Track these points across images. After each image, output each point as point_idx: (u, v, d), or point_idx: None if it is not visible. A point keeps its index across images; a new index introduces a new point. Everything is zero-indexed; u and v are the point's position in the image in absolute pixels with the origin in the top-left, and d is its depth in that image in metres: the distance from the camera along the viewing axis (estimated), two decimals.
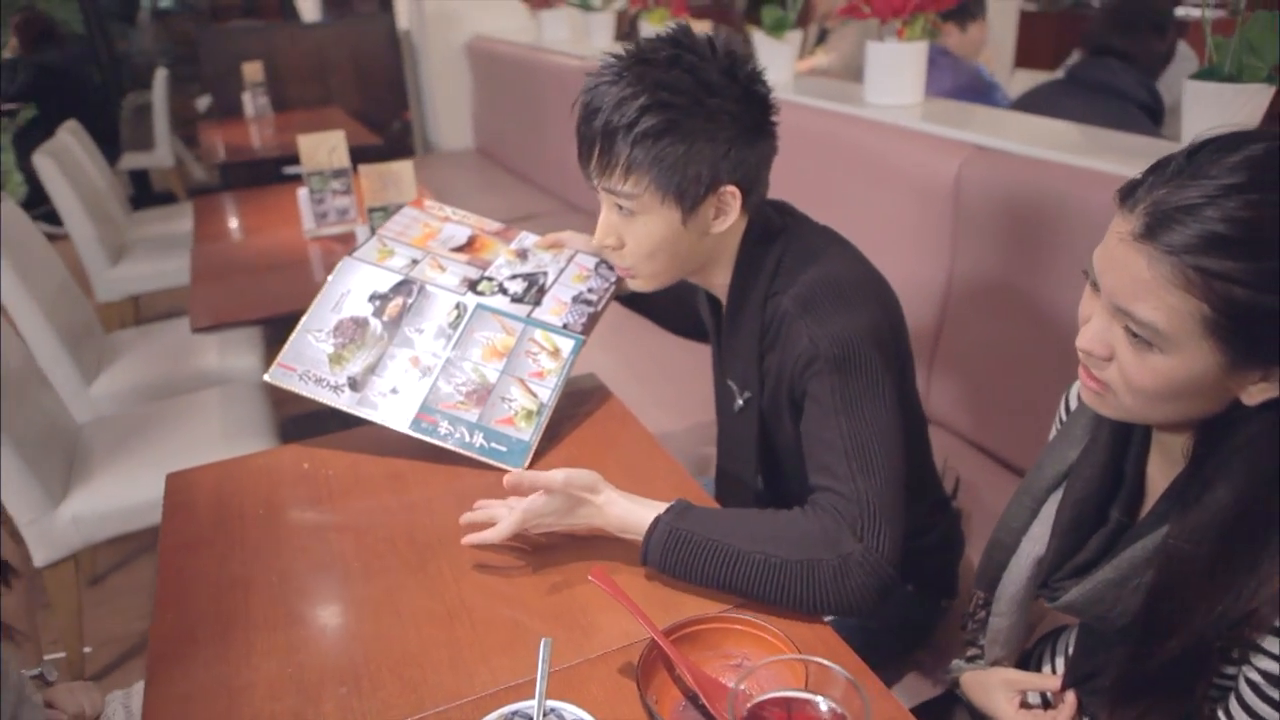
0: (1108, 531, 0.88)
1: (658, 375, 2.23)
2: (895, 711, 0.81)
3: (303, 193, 2.30)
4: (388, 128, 4.96)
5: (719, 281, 1.18)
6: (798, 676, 0.71)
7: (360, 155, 2.51)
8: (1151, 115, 2.35)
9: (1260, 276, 0.66)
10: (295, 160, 2.32)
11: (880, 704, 0.82)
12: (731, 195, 1.07)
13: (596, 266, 1.40)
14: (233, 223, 2.66)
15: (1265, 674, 0.74)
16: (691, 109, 1.01)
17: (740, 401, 1.20)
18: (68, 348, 2.17)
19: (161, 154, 5.14)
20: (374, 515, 1.14)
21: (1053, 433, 1.00)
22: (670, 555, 0.95)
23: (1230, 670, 0.78)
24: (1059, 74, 2.63)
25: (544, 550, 1.04)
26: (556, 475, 0.99)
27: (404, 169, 1.94)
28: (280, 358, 1.26)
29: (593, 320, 1.35)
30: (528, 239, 1.45)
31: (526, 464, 1.21)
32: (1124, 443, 0.88)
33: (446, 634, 0.93)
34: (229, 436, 1.97)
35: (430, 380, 1.26)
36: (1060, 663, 1.05)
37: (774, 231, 1.14)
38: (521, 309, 1.33)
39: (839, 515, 0.96)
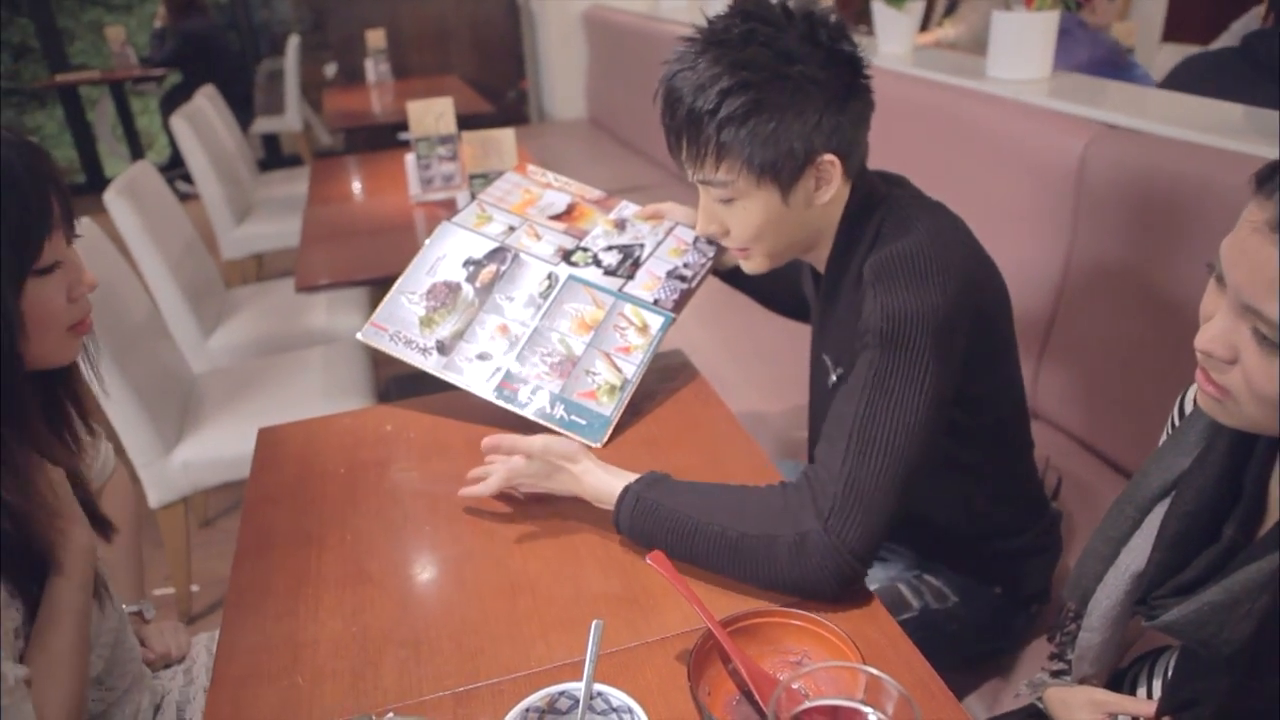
0: (1219, 550, 0.80)
1: (754, 354, 2.18)
2: None
3: (410, 158, 2.34)
4: (504, 96, 5.02)
5: (823, 254, 1.13)
6: (856, 683, 0.67)
7: (474, 123, 2.54)
8: None
9: None
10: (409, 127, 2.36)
11: (948, 714, 0.77)
12: (830, 164, 1.02)
13: (695, 241, 1.38)
14: (346, 186, 2.73)
15: None
16: (774, 83, 0.96)
17: (834, 378, 1.15)
18: (189, 302, 2.29)
19: (291, 118, 5.35)
20: (449, 482, 1.14)
21: (1163, 438, 0.91)
22: (637, 524, 0.98)
23: None
24: (1227, 41, 2.36)
25: (610, 531, 1.03)
26: (535, 441, 1.05)
27: (505, 136, 1.95)
28: (374, 317, 1.28)
29: (685, 297, 1.32)
30: (627, 209, 1.43)
31: (605, 439, 1.20)
32: (1245, 454, 0.80)
33: (508, 606, 0.93)
34: (329, 394, 2.04)
35: (517, 349, 1.25)
36: (1156, 686, 0.97)
37: (876, 200, 1.08)
38: (614, 282, 1.32)
39: (811, 492, 0.93)
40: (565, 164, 3.91)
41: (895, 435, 0.93)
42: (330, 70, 5.46)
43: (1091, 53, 2.67)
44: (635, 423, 1.24)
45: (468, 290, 1.30)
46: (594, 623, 0.74)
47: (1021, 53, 1.92)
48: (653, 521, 0.96)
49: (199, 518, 2.44)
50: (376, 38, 4.08)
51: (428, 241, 1.34)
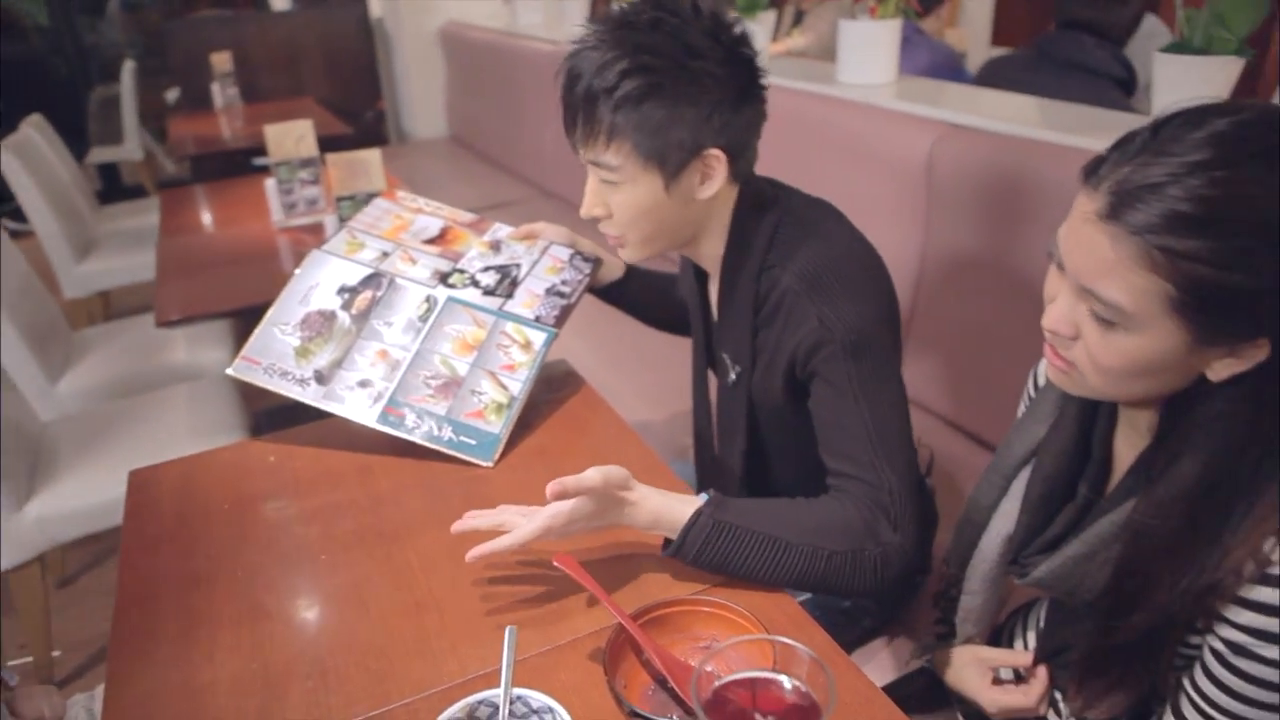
0: (1076, 507, 0.87)
1: (635, 363, 2.22)
2: (865, 689, 0.81)
3: (270, 183, 2.26)
4: (360, 117, 4.91)
5: (708, 252, 1.16)
6: (765, 656, 0.70)
7: (332, 145, 2.47)
8: (1124, 87, 2.34)
9: (1225, 255, 0.65)
10: (265, 151, 2.28)
11: (850, 681, 0.82)
12: (716, 160, 1.05)
13: (570, 258, 1.39)
14: (200, 216, 2.62)
15: (1228, 643, 0.74)
16: (674, 72, 0.99)
17: (733, 376, 1.19)
18: (31, 346, 2.13)
19: (130, 147, 5.07)
20: (341, 508, 1.12)
21: (1021, 410, 0.99)
22: (711, 547, 0.92)
23: (1195, 640, 0.78)
24: (1027, 50, 2.61)
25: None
26: (594, 475, 0.90)
27: (372, 157, 1.91)
28: (244, 351, 1.24)
29: (566, 312, 1.33)
30: (501, 230, 1.43)
31: (496, 457, 1.19)
32: (1091, 419, 0.88)
33: (414, 625, 0.92)
34: (197, 432, 1.94)
35: (399, 373, 1.23)
36: (1031, 638, 1.05)
37: (767, 201, 1.12)
38: (493, 301, 1.32)
39: (875, 505, 0.99)
40: (429, 183, 3.87)
41: (899, 432, 1.04)
42: (172, 96, 5.21)
43: (931, 58, 2.85)
44: (525, 435, 1.25)
45: (343, 318, 1.27)
46: (508, 628, 0.74)
47: (869, 59, 2.04)
48: (732, 542, 0.93)
49: (56, 576, 2.27)
50: (222, 61, 3.92)
51: (298, 271, 1.31)
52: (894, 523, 0.99)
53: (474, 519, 0.96)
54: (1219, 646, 0.75)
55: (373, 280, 1.31)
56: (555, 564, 0.87)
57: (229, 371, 1.23)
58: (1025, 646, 1.06)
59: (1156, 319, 0.69)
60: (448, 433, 1.20)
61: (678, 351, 2.20)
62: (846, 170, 1.91)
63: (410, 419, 1.20)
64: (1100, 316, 0.72)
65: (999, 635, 1.11)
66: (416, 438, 1.19)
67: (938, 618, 1.11)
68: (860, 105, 1.94)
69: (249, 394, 2.39)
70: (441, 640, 0.90)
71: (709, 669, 0.68)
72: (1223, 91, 1.43)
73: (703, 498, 0.97)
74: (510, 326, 1.29)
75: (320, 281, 1.30)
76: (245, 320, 1.27)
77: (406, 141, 5.05)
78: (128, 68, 4.99)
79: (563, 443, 1.23)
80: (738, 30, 1.04)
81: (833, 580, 0.96)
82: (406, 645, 0.89)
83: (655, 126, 1.00)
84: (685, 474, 1.30)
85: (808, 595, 1.26)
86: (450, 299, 1.30)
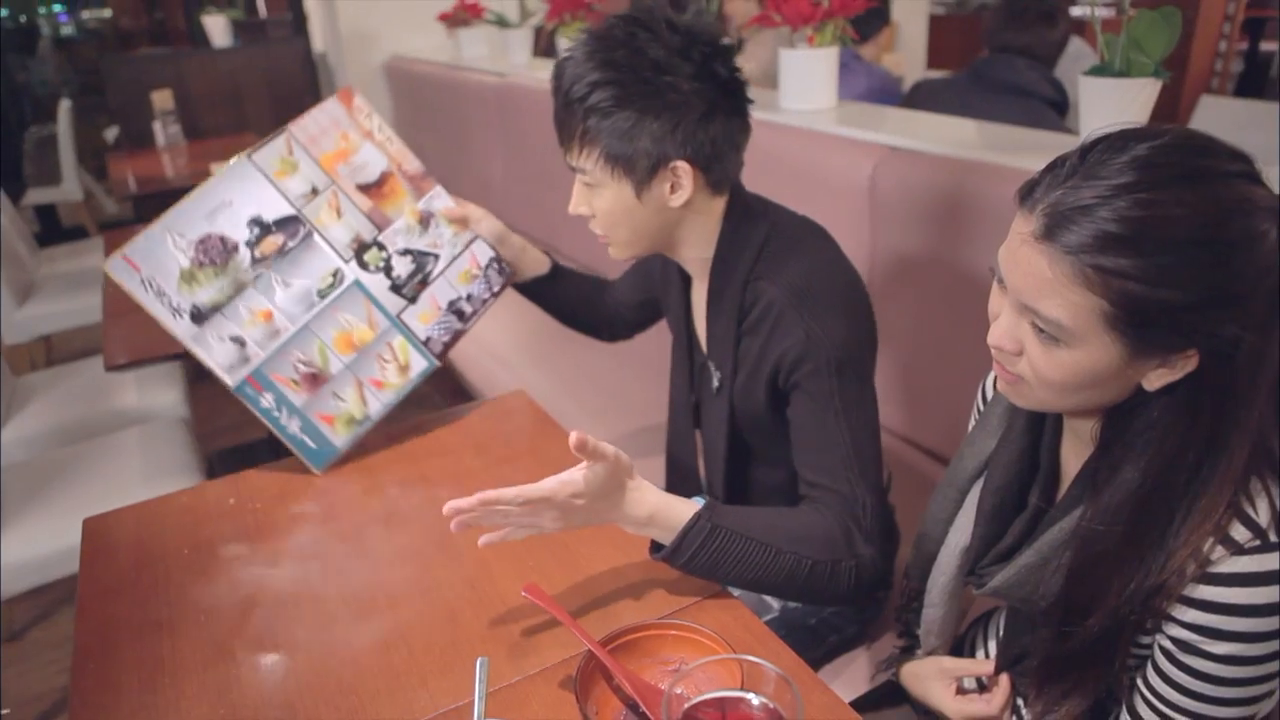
0: (1027, 516, 0.90)
1: (589, 390, 2.23)
2: (833, 704, 0.83)
3: None
4: None
5: (692, 256, 1.20)
6: (734, 676, 0.71)
7: None
8: (1056, 108, 2.44)
9: (1152, 271, 0.68)
10: None
11: (818, 697, 0.83)
12: (683, 171, 1.08)
13: (488, 265, 1.36)
14: None
15: (1176, 641, 0.77)
16: (638, 85, 1.04)
17: (716, 383, 1.22)
18: None
19: (69, 188, 4.97)
20: (304, 547, 1.11)
21: (971, 423, 1.03)
22: (705, 551, 0.94)
23: (1146, 641, 0.81)
24: (961, 73, 2.72)
25: (479, 571, 1.03)
26: (611, 447, 0.88)
27: None
28: (127, 249, 1.14)
29: (454, 339, 1.32)
30: (438, 200, 1.35)
31: (324, 468, 1.22)
32: (1039, 430, 0.91)
33: (383, 661, 0.92)
34: (151, 477, 1.91)
35: (275, 344, 1.20)
36: (992, 646, 1.08)
37: (756, 213, 1.17)
38: (396, 303, 1.28)
39: (850, 518, 1.05)
40: None
41: (873, 451, 1.11)
42: (111, 134, 5.12)
43: (869, 83, 2.94)
44: (486, 465, 1.25)
45: (244, 256, 1.18)
46: (479, 660, 0.75)
47: (809, 86, 2.09)
48: (726, 549, 0.95)
49: (4, 631, 2.20)
50: (163, 99, 3.87)
51: (217, 176, 1.18)
52: (866, 536, 1.04)
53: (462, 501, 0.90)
54: (1168, 645, 0.78)
55: (290, 224, 1.21)
56: (523, 594, 0.88)
57: (105, 267, 1.14)
58: (986, 655, 1.09)
59: (1094, 334, 0.72)
60: (294, 426, 1.20)
61: (630, 375, 2.22)
62: (792, 193, 1.93)
63: (266, 399, 1.19)
64: (1042, 332, 0.75)
65: (961, 645, 1.14)
66: (262, 416, 1.19)
67: (901, 631, 1.13)
68: (803, 131, 1.99)
69: (203, 435, 2.36)
70: (411, 675, 0.90)
71: (679, 691, 0.70)
72: (1144, 111, 1.50)
73: (697, 500, 0.98)
74: (398, 342, 1.27)
75: (235, 201, 1.19)
76: (196, 363, 1.22)
77: None
78: (64, 106, 4.91)
79: (524, 472, 1.23)
80: (713, 48, 1.08)
81: (810, 589, 1.02)
82: (376, 682, 0.89)
83: (622, 136, 1.06)
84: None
85: (774, 614, 1.27)
86: (357, 283, 1.25)
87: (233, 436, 2.95)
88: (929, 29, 5.56)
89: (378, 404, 1.23)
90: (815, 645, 1.30)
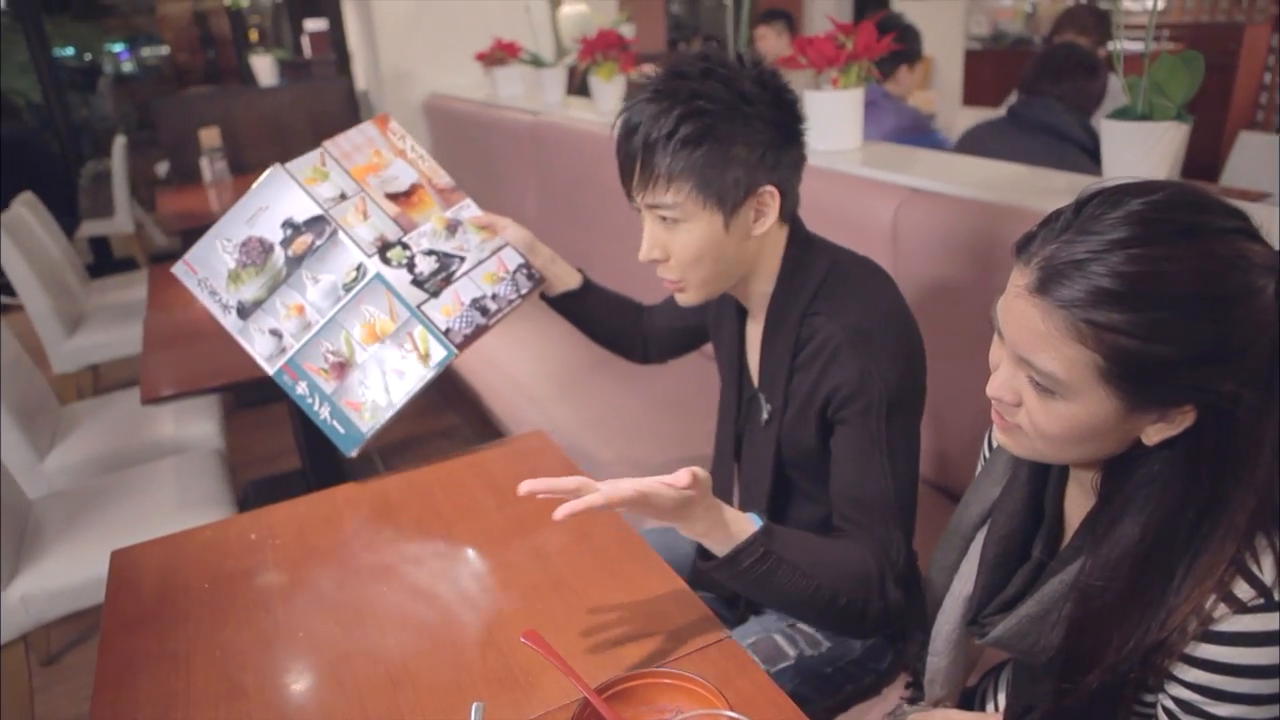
0: (1031, 567, 0.90)
1: (618, 431, 2.24)
2: None
3: None
4: None
5: (757, 290, 1.22)
6: None
7: None
8: (1090, 155, 2.42)
9: (1145, 327, 0.68)
10: None
11: None
12: (770, 196, 1.12)
13: (516, 270, 1.39)
14: (188, 291, 2.65)
15: (1179, 701, 0.76)
16: (728, 114, 1.07)
17: (765, 415, 1.24)
18: (19, 423, 2.15)
19: (121, 220, 5.14)
20: (320, 585, 1.14)
21: (978, 470, 1.02)
22: (752, 572, 0.98)
23: (1150, 699, 0.80)
24: (1001, 112, 2.72)
25: (486, 613, 1.05)
26: (703, 471, 0.92)
27: None
28: (188, 255, 1.29)
29: (477, 334, 1.34)
30: (466, 210, 1.41)
31: (355, 453, 1.29)
32: (1043, 480, 0.91)
33: (389, 702, 0.93)
34: (184, 507, 1.96)
35: (307, 335, 1.28)
36: (1002, 699, 1.07)
37: (815, 245, 1.21)
38: (417, 295, 1.31)
39: (884, 560, 1.08)
40: None
41: (912, 493, 1.15)
42: (162, 169, 5.30)
43: (898, 121, 2.95)
44: (502, 507, 1.27)
45: (279, 255, 1.29)
46: (474, 705, 0.76)
47: (834, 127, 2.10)
48: (774, 572, 0.99)
49: (41, 655, 2.26)
50: (210, 136, 4.01)
51: (255, 185, 1.31)
52: (896, 580, 1.08)
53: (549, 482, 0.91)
54: (1170, 705, 0.77)
55: (317, 224, 1.30)
56: (522, 640, 0.89)
57: (173, 270, 1.30)
58: (996, 708, 1.07)
59: (1089, 387, 0.72)
60: (325, 412, 1.28)
61: (657, 411, 2.23)
62: (818, 232, 1.96)
63: (300, 386, 1.28)
64: (1038, 384, 0.76)
65: (972, 697, 1.12)
66: (297, 403, 1.28)
67: (908, 681, 1.12)
68: (827, 171, 2.01)
69: (237, 465, 2.41)
70: (415, 716, 0.91)
71: None
72: (1167, 154, 1.49)
73: (753, 518, 1.00)
74: (418, 331, 1.30)
75: (271, 205, 1.30)
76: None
77: None
78: (119, 142, 5.09)
79: (537, 514, 1.24)
80: (781, 79, 1.13)
81: (836, 621, 1.07)
82: None
83: (713, 165, 1.08)
84: (655, 541, 1.31)
85: (790, 662, 1.27)
86: (378, 276, 1.30)
87: (266, 467, 3.02)
88: (964, 64, 5.56)
89: (400, 392, 1.28)
90: (830, 694, 1.29)
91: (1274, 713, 0.73)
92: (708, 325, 1.45)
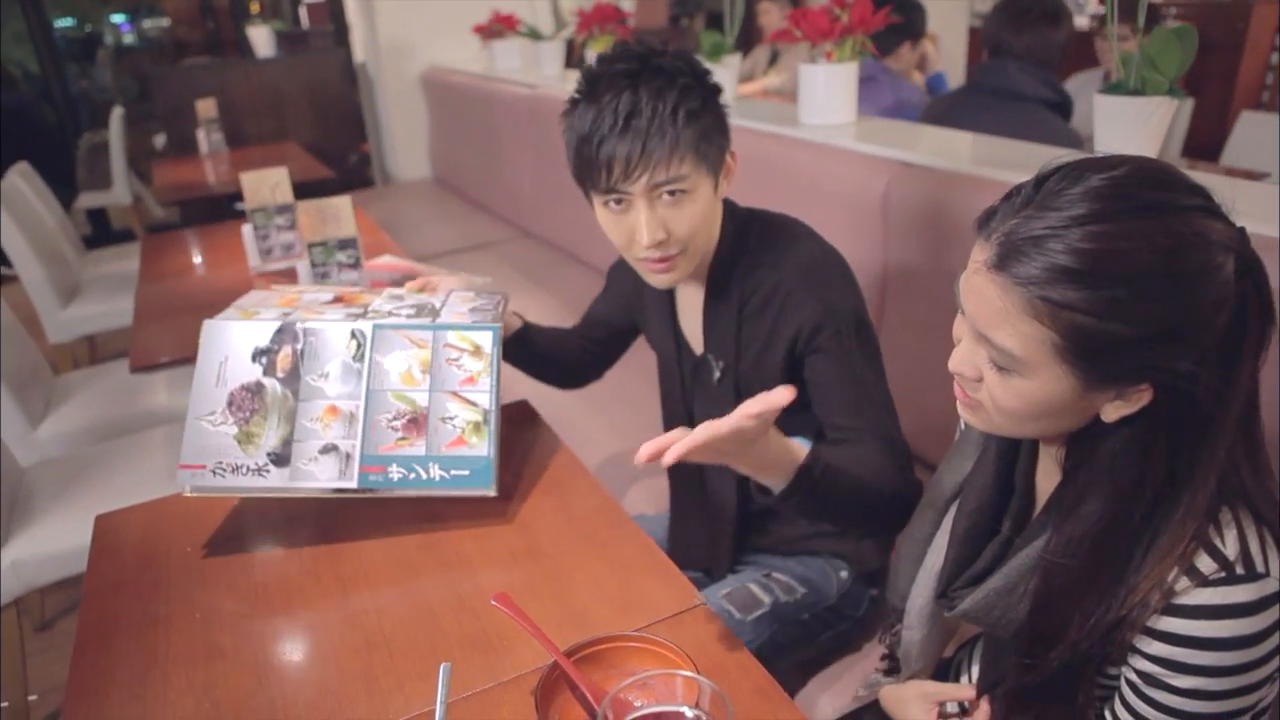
0: (1000, 541, 0.90)
1: (610, 400, 2.25)
2: None
3: (247, 229, 2.30)
4: (345, 160, 4.98)
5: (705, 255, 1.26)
6: (690, 690, 0.72)
7: (315, 189, 2.52)
8: (1057, 109, 2.36)
9: (1103, 305, 0.68)
10: None
11: (784, 713, 0.84)
12: (732, 157, 1.20)
13: (477, 294, 1.34)
14: (181, 260, 2.66)
15: (1141, 674, 0.76)
16: (703, 86, 1.15)
17: (718, 373, 1.28)
18: (12, 391, 2.16)
19: (119, 192, 5.13)
20: (300, 549, 1.14)
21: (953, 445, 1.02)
22: (819, 489, 0.97)
23: (1114, 672, 0.81)
24: (961, 86, 2.70)
25: (462, 577, 1.06)
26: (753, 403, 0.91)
27: (342, 204, 1.96)
28: (182, 459, 1.11)
29: (501, 309, 1.28)
30: (398, 290, 1.34)
31: (494, 481, 1.13)
32: (1013, 455, 0.91)
33: (364, 664, 0.94)
34: (172, 475, 1.95)
35: (358, 426, 1.13)
36: (976, 670, 1.07)
37: (738, 207, 1.27)
38: (423, 321, 1.21)
39: (892, 454, 1.14)
40: (411, 225, 3.93)
41: (890, 397, 1.22)
42: (160, 141, 5.28)
43: (895, 97, 2.92)
44: None
45: (272, 385, 1.14)
46: (441, 666, 0.77)
47: (827, 101, 2.09)
48: (833, 485, 0.99)
49: (34, 620, 2.28)
50: (207, 107, 3.99)
51: (200, 350, 1.16)
52: (908, 466, 1.15)
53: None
54: (1133, 678, 0.78)
55: (286, 333, 1.16)
56: (493, 603, 0.90)
57: (182, 491, 1.11)
58: (971, 679, 1.08)
59: (1046, 365, 0.72)
60: (436, 472, 1.13)
61: (644, 382, 2.23)
62: (808, 207, 1.94)
63: (394, 471, 1.12)
64: (996, 361, 0.75)
65: (948, 669, 1.13)
66: (407, 490, 1.12)
67: (883, 653, 1.13)
68: (820, 146, 2.00)
69: None
70: (389, 678, 0.92)
71: (637, 703, 0.71)
72: (1159, 129, 1.48)
73: (803, 442, 0.99)
74: (452, 335, 1.19)
75: (229, 353, 1.15)
76: None
77: (391, 183, 5.12)
78: (116, 114, 5.06)
79: (522, 487, 1.25)
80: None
81: (887, 518, 1.10)
82: (355, 684, 0.92)
83: (706, 134, 1.13)
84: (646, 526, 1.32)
85: (765, 609, 1.29)
86: (378, 327, 1.18)
87: None
88: (968, 41, 5.52)
89: (483, 395, 1.16)
90: (808, 641, 1.32)
91: (1233, 683, 0.73)
92: (635, 318, 1.48)
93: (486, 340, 1.19)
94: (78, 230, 3.98)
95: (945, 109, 2.55)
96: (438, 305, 1.27)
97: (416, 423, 1.15)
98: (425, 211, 4.24)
